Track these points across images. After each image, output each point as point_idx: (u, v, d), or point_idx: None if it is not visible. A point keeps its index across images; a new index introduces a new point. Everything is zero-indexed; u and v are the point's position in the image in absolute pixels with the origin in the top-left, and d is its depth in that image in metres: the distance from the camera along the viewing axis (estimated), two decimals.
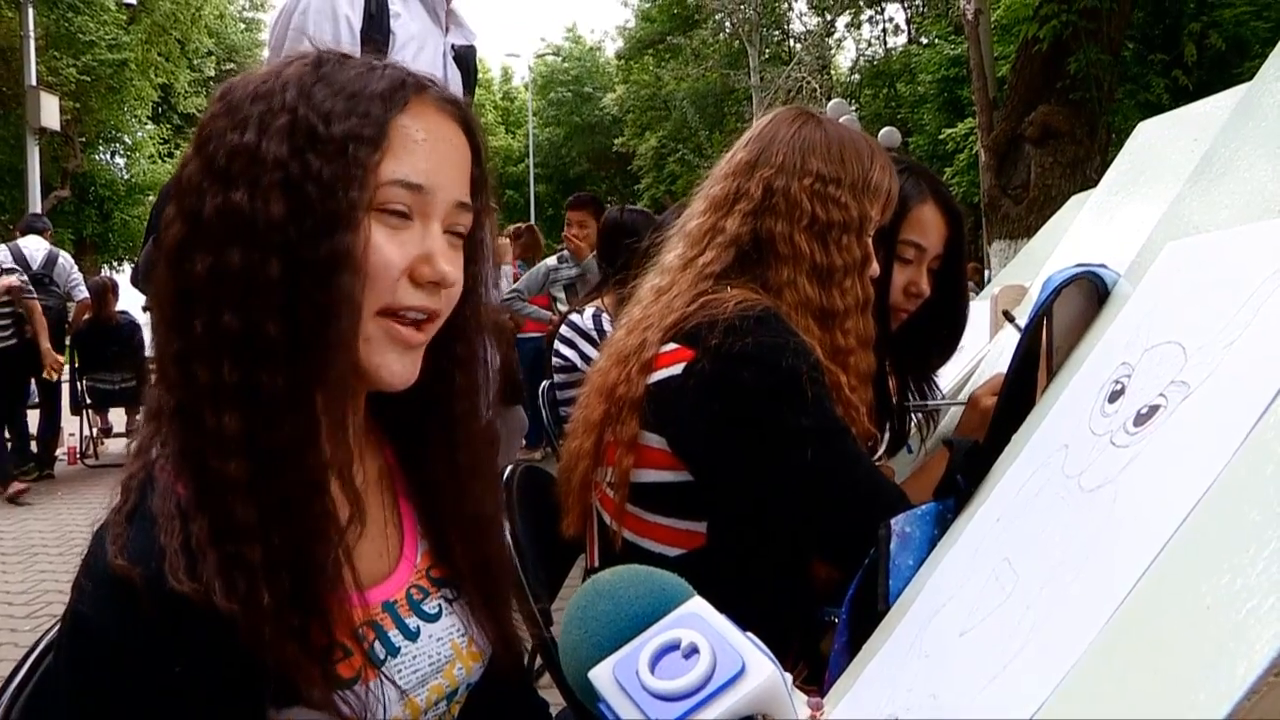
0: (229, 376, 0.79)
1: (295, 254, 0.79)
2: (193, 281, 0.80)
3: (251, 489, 0.79)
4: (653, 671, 0.62)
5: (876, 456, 1.72)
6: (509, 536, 1.45)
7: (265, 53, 2.14)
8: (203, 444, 0.80)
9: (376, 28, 1.99)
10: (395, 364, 0.87)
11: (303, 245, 0.79)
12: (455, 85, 2.30)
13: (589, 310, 3.25)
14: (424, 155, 0.85)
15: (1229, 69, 11.86)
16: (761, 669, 0.61)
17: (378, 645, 0.89)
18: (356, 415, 0.89)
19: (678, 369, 1.31)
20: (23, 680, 0.94)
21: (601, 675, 0.65)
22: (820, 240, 1.39)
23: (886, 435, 1.75)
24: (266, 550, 0.79)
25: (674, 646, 0.64)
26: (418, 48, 2.07)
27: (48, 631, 0.96)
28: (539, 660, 1.94)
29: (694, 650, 0.62)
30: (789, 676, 0.82)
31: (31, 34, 14.52)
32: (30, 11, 14.56)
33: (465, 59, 2.31)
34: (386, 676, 0.87)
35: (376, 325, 0.85)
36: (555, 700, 1.27)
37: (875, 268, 1.46)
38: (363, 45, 1.95)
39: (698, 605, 0.68)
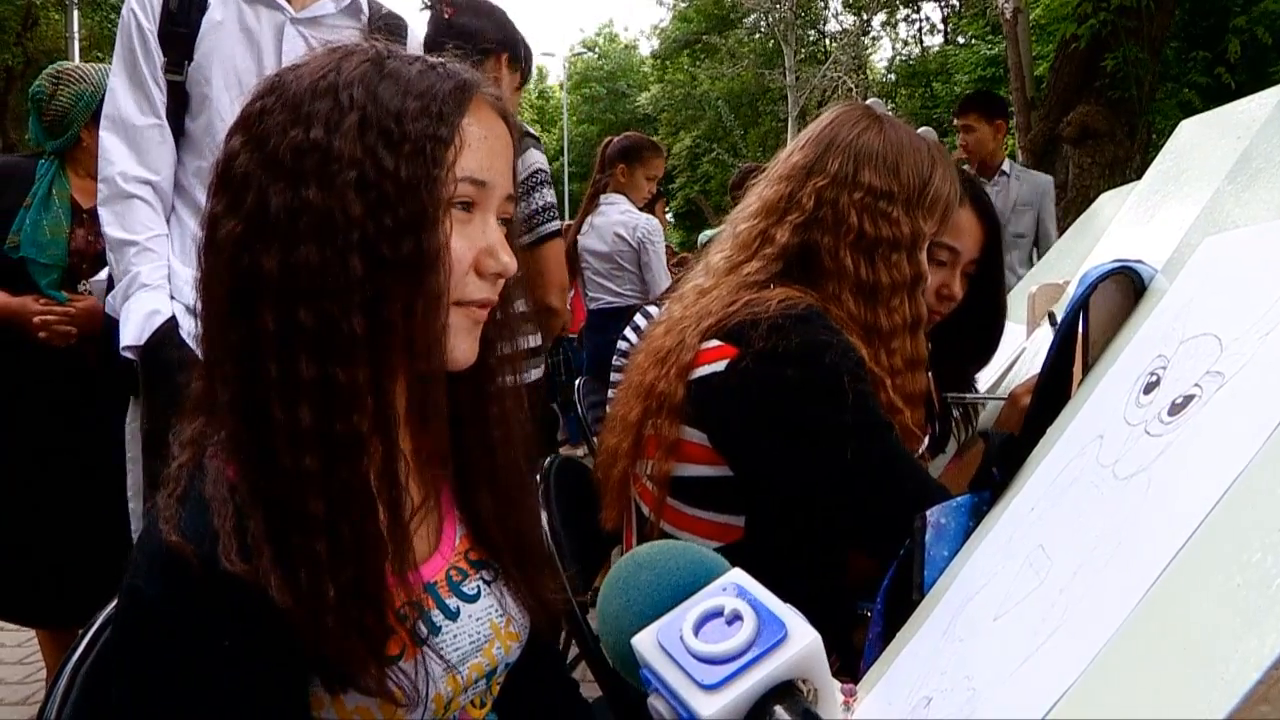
0: (305, 371, 0.80)
1: (376, 251, 0.81)
2: (258, 277, 0.81)
3: (324, 482, 0.81)
4: (696, 637, 0.64)
5: (918, 455, 1.71)
6: (545, 526, 1.47)
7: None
8: (270, 437, 0.81)
9: (181, 21, 1.94)
10: (464, 345, 0.91)
11: (383, 243, 0.81)
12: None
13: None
14: (486, 152, 0.88)
15: (1269, 67, 11.64)
16: (804, 635, 0.62)
17: (420, 624, 0.90)
18: (438, 402, 0.90)
19: (720, 365, 1.31)
20: (83, 654, 0.97)
21: (645, 641, 0.66)
22: (867, 257, 1.36)
23: (926, 440, 1.74)
24: (332, 543, 0.80)
25: (717, 613, 0.65)
26: (226, 34, 1.96)
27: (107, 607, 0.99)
28: (573, 649, 1.96)
29: (737, 617, 0.64)
30: None
31: (76, 36, 14.77)
32: (75, 14, 14.82)
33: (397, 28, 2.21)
34: (432, 650, 0.89)
35: (453, 315, 0.88)
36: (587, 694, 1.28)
37: (928, 284, 1.42)
38: (164, 41, 1.93)
39: (739, 575, 0.70)
